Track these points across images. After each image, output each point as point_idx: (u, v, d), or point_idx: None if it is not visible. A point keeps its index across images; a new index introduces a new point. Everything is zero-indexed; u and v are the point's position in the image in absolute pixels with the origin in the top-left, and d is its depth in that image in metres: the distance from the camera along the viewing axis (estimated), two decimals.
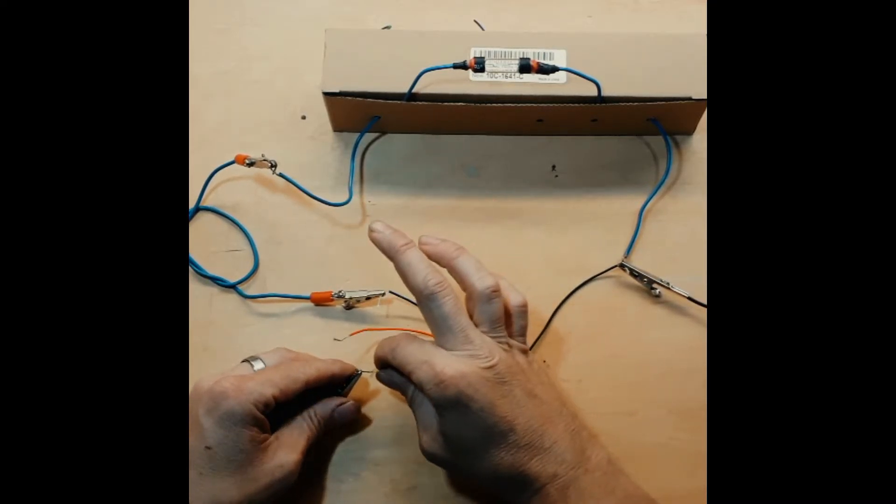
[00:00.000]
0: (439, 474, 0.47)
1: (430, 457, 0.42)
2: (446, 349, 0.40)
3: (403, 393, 0.44)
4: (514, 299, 0.44)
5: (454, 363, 0.39)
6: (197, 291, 0.52)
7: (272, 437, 0.42)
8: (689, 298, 0.51)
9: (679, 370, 0.50)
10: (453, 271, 0.43)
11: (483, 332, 0.41)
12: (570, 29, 0.60)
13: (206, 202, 0.54)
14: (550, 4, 0.62)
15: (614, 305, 0.52)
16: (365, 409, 0.49)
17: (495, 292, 0.42)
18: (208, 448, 0.39)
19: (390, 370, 0.44)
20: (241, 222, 0.54)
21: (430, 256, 0.43)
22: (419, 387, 0.40)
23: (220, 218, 0.54)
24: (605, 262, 0.53)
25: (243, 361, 0.44)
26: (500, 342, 0.41)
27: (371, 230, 0.43)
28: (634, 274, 0.52)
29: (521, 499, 0.40)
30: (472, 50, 0.52)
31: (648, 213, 0.54)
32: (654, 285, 0.51)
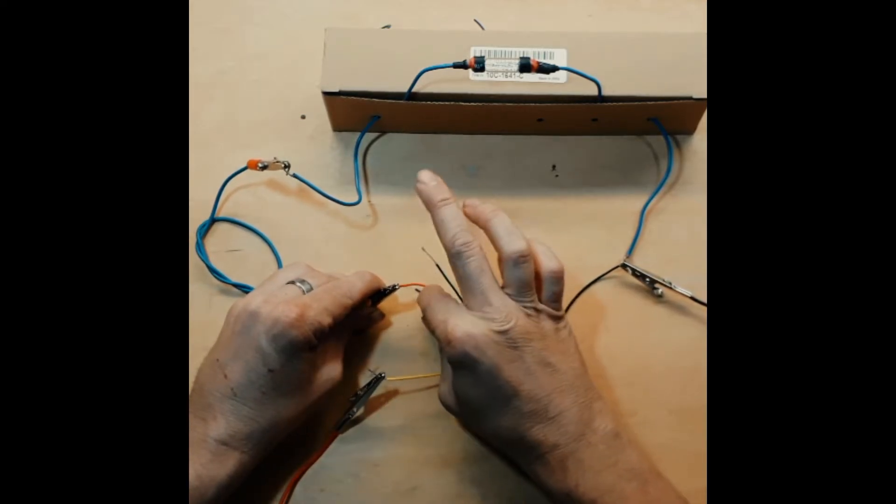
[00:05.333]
0: (440, 475, 0.47)
1: (445, 406, 0.44)
2: (467, 308, 0.42)
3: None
4: (547, 265, 0.43)
5: (465, 325, 0.41)
6: (197, 291, 0.52)
7: (319, 353, 0.44)
8: (692, 298, 0.50)
9: (680, 370, 0.50)
10: (487, 233, 0.44)
11: (509, 295, 0.42)
12: (570, 28, 0.60)
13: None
14: (551, 4, 0.62)
15: (616, 305, 0.52)
16: (366, 410, 0.49)
17: (522, 257, 0.42)
18: (271, 371, 0.41)
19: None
20: (247, 224, 0.54)
21: (469, 218, 0.44)
22: (439, 343, 0.42)
23: (229, 224, 0.54)
24: (605, 262, 0.53)
25: (289, 283, 0.45)
26: (525, 306, 0.42)
27: (417, 181, 0.44)
28: (637, 274, 0.52)
29: (525, 462, 0.42)
30: (472, 49, 0.52)
31: (649, 212, 0.54)
32: (657, 285, 0.51)
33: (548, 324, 0.42)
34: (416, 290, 0.50)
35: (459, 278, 0.42)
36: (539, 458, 0.41)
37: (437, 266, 0.48)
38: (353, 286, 0.46)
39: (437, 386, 0.46)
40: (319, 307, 0.43)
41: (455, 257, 0.42)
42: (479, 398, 0.41)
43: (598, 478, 0.39)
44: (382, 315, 0.51)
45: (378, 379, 0.47)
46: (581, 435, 0.40)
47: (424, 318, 0.45)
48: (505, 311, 0.41)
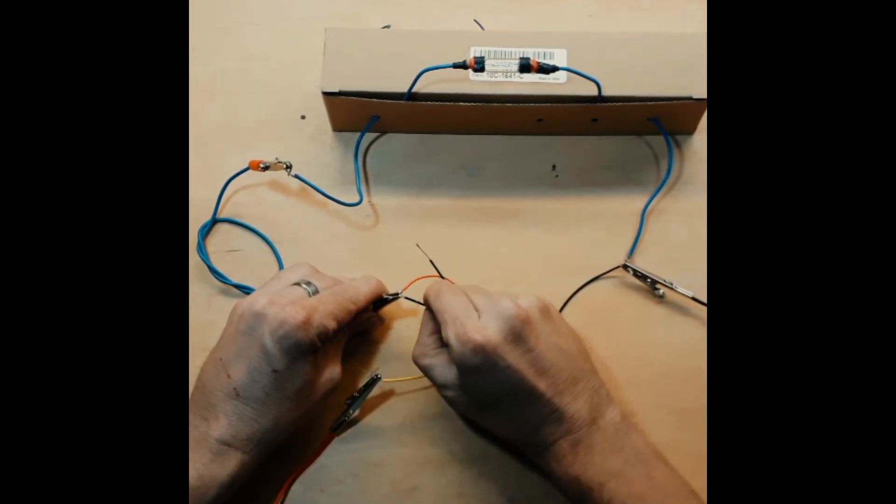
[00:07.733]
0: (440, 475, 0.47)
1: (449, 401, 0.45)
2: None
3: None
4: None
5: (481, 327, 0.41)
6: (197, 292, 0.52)
7: (320, 355, 0.44)
8: (693, 298, 0.50)
9: (680, 371, 0.50)
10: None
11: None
12: (570, 28, 0.59)
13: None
14: (551, 4, 0.62)
15: (616, 306, 0.52)
16: (365, 410, 0.49)
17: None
18: (275, 371, 0.41)
19: (428, 313, 0.46)
20: (247, 225, 0.54)
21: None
22: (446, 341, 0.42)
23: (229, 224, 0.54)
24: (605, 263, 0.53)
25: (294, 284, 0.45)
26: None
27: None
28: (638, 274, 0.52)
29: (536, 451, 0.43)
30: (472, 49, 0.52)
31: (650, 213, 0.54)
32: (658, 286, 0.51)
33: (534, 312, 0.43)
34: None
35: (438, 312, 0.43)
36: (552, 444, 0.41)
37: (431, 262, 0.49)
38: (359, 291, 0.46)
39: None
40: (325, 311, 0.43)
41: (426, 301, 0.45)
42: (496, 395, 0.41)
43: (606, 462, 0.40)
44: (382, 320, 0.51)
45: (374, 380, 0.47)
46: (592, 420, 0.41)
47: (430, 308, 0.45)
48: (499, 303, 0.41)
